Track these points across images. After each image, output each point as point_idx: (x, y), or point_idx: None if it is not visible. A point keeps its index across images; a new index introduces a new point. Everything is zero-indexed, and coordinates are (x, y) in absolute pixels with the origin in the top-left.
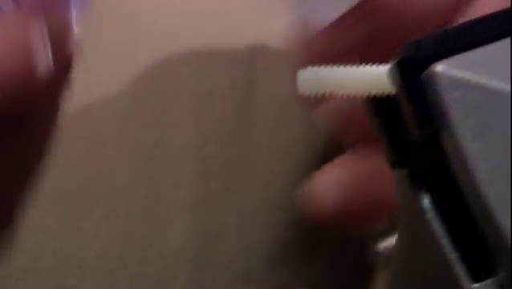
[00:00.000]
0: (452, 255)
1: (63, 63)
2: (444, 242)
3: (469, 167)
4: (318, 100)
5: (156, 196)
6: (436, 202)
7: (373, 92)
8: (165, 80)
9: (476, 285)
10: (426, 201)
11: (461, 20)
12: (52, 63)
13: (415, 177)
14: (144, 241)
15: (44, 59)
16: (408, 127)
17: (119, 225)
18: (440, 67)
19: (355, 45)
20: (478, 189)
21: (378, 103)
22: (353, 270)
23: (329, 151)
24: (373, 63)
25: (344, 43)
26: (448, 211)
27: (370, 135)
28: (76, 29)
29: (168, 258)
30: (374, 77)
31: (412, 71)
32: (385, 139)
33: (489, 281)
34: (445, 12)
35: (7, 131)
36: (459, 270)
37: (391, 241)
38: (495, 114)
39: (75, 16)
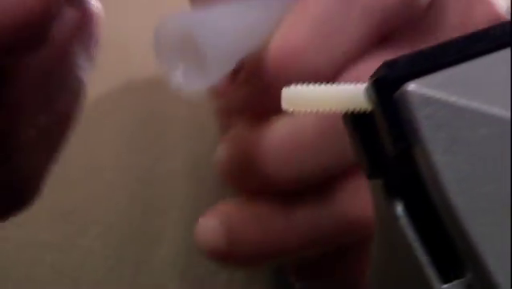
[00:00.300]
0: (423, 258)
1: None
2: (416, 245)
3: (439, 178)
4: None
5: (149, 215)
6: (409, 210)
7: (351, 109)
8: (161, 107)
9: (445, 286)
10: (399, 209)
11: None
12: None
13: (389, 187)
14: (136, 256)
15: None
16: (383, 141)
17: (113, 242)
18: (412, 86)
19: (240, 104)
20: (447, 198)
21: (355, 119)
22: None
23: None
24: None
25: (230, 103)
26: (419, 218)
27: (257, 186)
28: None
29: (158, 271)
30: (352, 95)
31: (387, 89)
32: (362, 152)
33: (456, 282)
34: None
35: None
36: (429, 271)
37: None
38: (463, 129)
39: None
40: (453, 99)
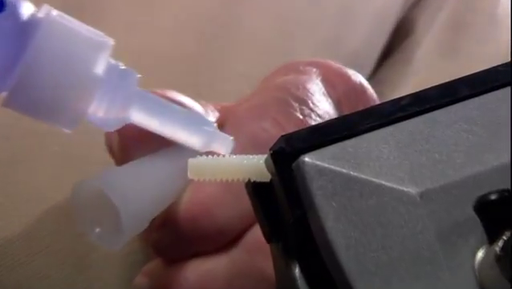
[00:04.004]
0: None
1: None
2: None
3: (331, 244)
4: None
5: None
6: (305, 271)
7: (252, 178)
8: None
9: None
10: (297, 271)
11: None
12: None
13: (288, 250)
14: None
15: None
16: (282, 208)
17: None
18: (307, 158)
19: (155, 245)
20: (338, 262)
21: (256, 188)
22: None
23: None
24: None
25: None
26: (315, 278)
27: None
28: None
29: None
30: (253, 165)
31: (284, 161)
32: (262, 218)
33: None
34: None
35: None
36: None
37: None
38: (353, 199)
39: None
40: (344, 170)
